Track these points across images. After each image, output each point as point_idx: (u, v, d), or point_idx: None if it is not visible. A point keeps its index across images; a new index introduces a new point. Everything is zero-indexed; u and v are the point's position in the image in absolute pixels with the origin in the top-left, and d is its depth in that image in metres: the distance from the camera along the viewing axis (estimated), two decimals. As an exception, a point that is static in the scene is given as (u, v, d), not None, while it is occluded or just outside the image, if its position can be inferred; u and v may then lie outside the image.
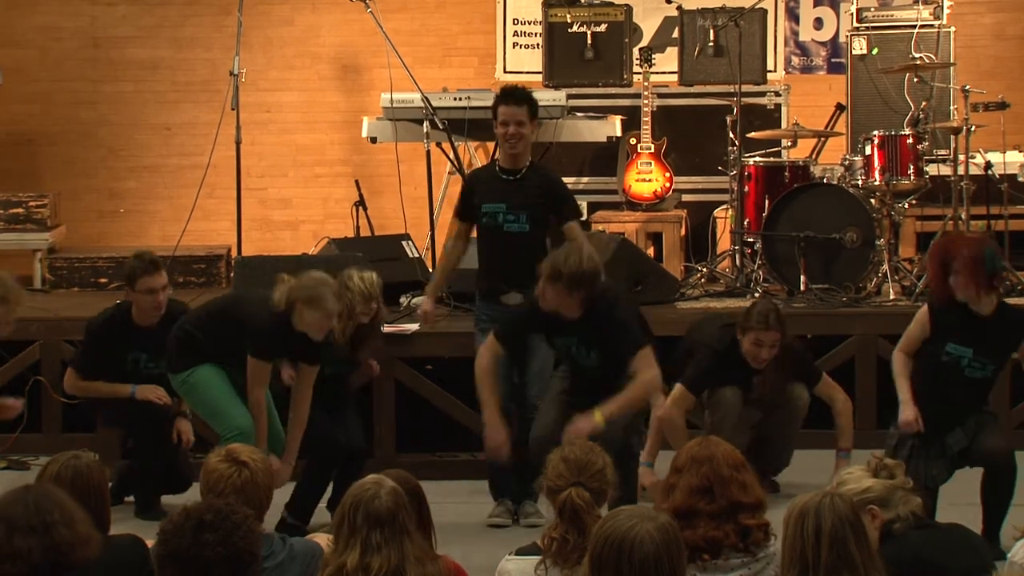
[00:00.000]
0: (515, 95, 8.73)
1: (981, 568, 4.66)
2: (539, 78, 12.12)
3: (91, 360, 8.56)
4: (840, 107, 11.69)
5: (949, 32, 11.93)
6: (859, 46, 12.08)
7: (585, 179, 11.96)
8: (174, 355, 8.07)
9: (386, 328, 9.40)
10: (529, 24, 13.13)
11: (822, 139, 11.38)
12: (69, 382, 8.61)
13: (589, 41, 11.60)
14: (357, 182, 11.96)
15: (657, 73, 11.22)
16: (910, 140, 10.46)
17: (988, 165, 11.04)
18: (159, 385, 8.37)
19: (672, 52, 12.32)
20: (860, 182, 10.42)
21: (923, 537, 4.69)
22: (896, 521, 4.72)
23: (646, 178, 11.38)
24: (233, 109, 10.64)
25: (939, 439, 7.59)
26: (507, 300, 8.50)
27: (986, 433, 7.56)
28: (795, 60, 13.37)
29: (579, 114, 11.44)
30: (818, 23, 13.41)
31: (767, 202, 10.39)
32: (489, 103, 11.04)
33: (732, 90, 10.96)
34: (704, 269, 10.98)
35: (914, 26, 11.84)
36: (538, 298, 7.79)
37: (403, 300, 10.12)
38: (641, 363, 7.69)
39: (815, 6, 13.42)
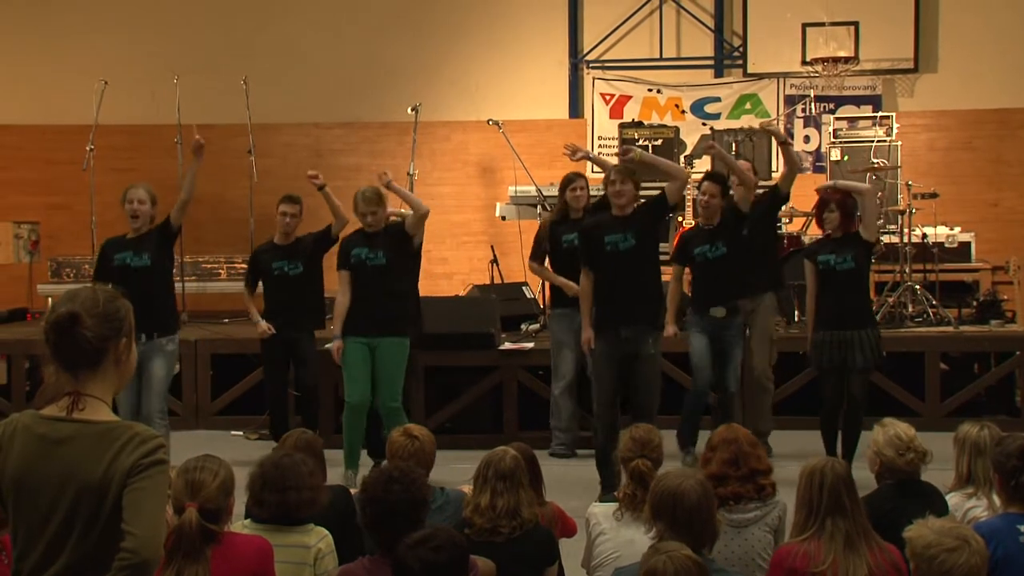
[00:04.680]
0: (710, 176, 8.25)
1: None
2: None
3: (250, 276, 8.59)
4: (822, 196, 11.55)
5: (897, 145, 11.81)
6: (835, 154, 11.96)
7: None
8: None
9: (509, 346, 9.36)
10: (609, 140, 13.12)
11: (810, 218, 11.20)
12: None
13: (650, 150, 11.55)
14: (492, 247, 11.98)
15: (696, 172, 11.11)
16: (870, 218, 10.31)
17: (924, 236, 10.94)
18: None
19: (707, 158, 12.19)
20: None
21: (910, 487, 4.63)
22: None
23: (689, 243, 11.22)
24: (410, 197, 10.69)
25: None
26: (714, 313, 8.00)
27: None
28: (790, 164, 13.21)
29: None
30: (806, 139, 13.27)
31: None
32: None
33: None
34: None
35: (872, 141, 11.74)
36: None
37: (522, 327, 10.10)
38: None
39: (804, 127, 13.30)
